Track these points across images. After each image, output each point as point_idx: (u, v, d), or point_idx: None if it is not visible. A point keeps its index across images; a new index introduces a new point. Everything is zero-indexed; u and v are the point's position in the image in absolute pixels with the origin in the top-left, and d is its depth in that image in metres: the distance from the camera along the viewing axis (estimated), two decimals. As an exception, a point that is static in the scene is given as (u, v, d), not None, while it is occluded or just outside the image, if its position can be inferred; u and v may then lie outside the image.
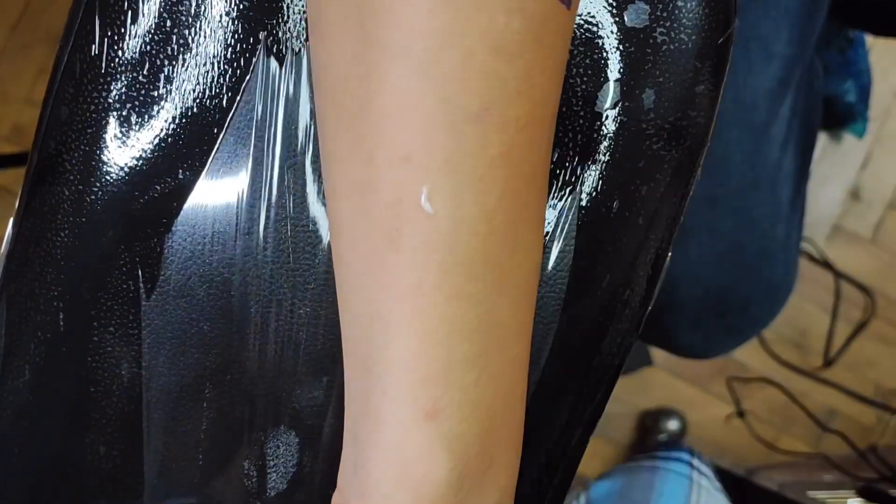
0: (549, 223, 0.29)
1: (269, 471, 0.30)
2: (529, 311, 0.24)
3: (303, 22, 0.27)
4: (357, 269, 0.24)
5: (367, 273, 0.23)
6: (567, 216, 0.29)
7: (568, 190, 0.29)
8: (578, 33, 0.28)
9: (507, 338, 0.24)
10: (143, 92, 0.27)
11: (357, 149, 0.22)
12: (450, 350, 0.23)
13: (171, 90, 0.27)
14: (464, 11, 0.20)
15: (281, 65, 0.28)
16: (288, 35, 0.27)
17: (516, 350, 0.24)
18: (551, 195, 0.29)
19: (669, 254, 0.31)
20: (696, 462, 0.81)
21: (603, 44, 0.28)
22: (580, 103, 0.28)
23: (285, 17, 0.27)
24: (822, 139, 1.24)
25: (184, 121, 0.27)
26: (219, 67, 0.27)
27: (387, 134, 0.21)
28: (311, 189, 0.28)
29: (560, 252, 0.29)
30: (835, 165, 1.25)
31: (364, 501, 0.24)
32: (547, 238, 0.29)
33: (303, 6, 0.27)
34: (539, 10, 0.21)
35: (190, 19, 0.27)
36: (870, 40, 1.13)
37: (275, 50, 0.27)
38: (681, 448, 0.86)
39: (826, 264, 1.23)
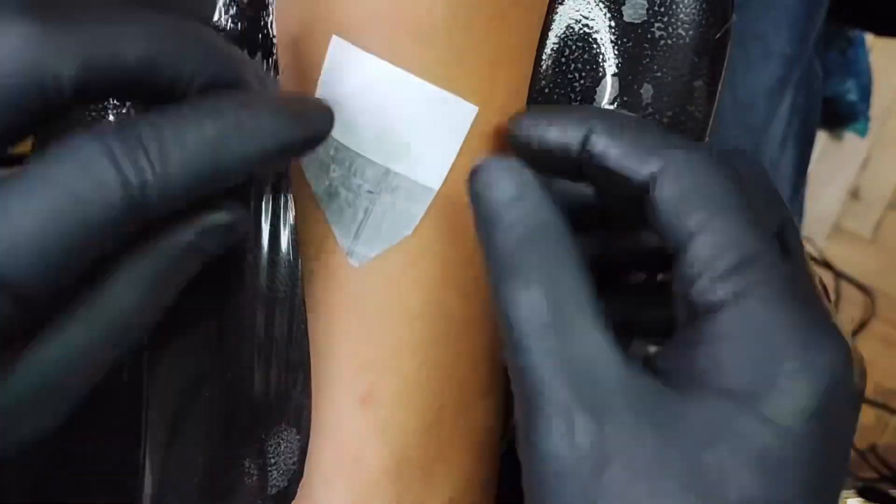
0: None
1: (269, 469, 0.30)
2: (486, 306, 0.24)
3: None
4: (308, 255, 0.25)
5: (316, 257, 0.24)
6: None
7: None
8: (576, 28, 0.28)
9: (454, 329, 0.24)
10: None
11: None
12: (387, 336, 0.23)
13: (170, 88, 0.27)
14: (389, 0, 0.21)
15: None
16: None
17: (467, 343, 0.24)
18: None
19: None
20: None
21: (600, 39, 0.28)
22: (578, 99, 0.28)
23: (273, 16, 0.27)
24: (823, 139, 1.24)
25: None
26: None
27: None
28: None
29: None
30: (835, 165, 1.25)
31: (308, 481, 0.24)
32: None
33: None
34: None
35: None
36: (870, 40, 1.13)
37: (272, 46, 0.27)
38: None
39: (826, 264, 1.23)
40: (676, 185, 0.20)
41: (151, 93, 0.18)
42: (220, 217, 0.20)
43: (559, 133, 0.21)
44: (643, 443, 0.18)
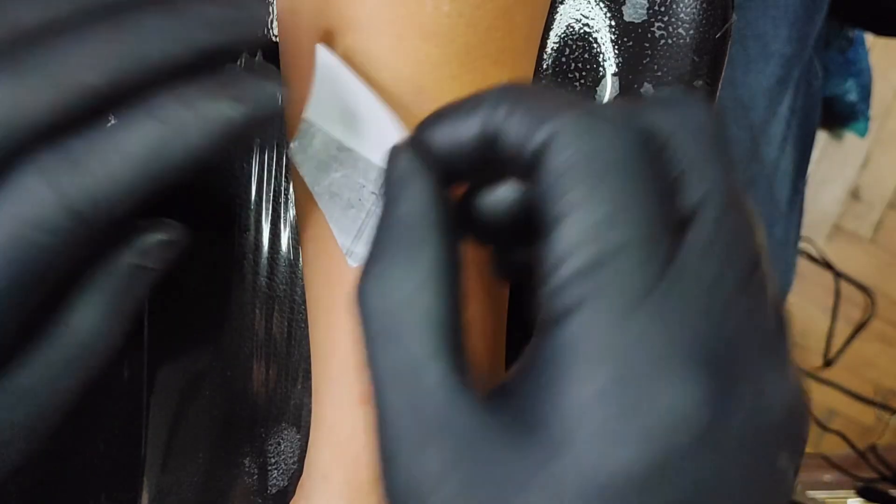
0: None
1: (270, 468, 0.30)
2: (486, 304, 0.24)
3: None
4: (308, 253, 0.25)
5: (315, 257, 0.24)
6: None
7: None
8: (576, 28, 0.28)
9: None
10: (143, 89, 0.27)
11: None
12: None
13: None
14: None
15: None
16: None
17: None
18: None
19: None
20: None
21: (600, 38, 0.28)
22: (579, 99, 0.28)
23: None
24: (823, 139, 1.24)
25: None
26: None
27: None
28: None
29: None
30: (835, 165, 1.25)
31: (308, 477, 0.24)
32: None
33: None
34: None
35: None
36: (870, 40, 1.13)
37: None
38: None
39: (826, 264, 1.23)
40: (562, 155, 0.16)
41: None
42: (157, 237, 0.20)
43: (451, 128, 0.18)
44: (468, 487, 0.16)
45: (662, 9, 0.27)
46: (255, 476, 0.30)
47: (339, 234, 0.23)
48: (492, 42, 0.22)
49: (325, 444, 0.24)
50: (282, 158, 0.28)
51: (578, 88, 0.28)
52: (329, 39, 0.22)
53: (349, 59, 0.21)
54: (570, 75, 0.28)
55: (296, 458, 0.30)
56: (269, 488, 0.30)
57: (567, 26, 0.28)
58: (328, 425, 0.24)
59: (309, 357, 0.29)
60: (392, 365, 0.17)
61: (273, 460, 0.30)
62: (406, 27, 0.21)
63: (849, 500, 1.05)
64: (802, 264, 1.23)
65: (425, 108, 0.21)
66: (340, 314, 0.23)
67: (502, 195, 0.19)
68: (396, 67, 0.21)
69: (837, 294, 1.24)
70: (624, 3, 0.28)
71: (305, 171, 0.23)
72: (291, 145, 0.23)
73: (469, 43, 0.22)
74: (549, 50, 0.28)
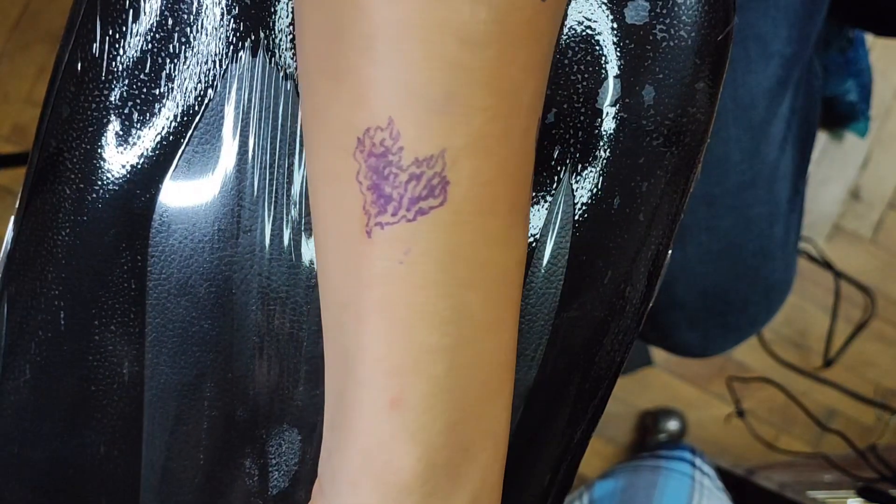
0: (544, 220, 0.29)
1: (270, 469, 0.30)
2: (507, 306, 0.24)
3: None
4: (331, 257, 0.24)
5: (341, 261, 0.24)
6: (565, 213, 0.29)
7: (565, 187, 0.29)
8: (578, 30, 0.28)
9: (478, 331, 0.24)
10: (144, 90, 0.27)
11: (332, 139, 0.23)
12: (417, 340, 0.23)
13: (172, 88, 0.27)
14: (429, 2, 0.21)
15: (282, 61, 0.28)
16: (284, 31, 0.27)
17: (489, 345, 0.24)
18: (549, 192, 0.29)
19: (670, 251, 0.31)
20: (698, 462, 0.81)
21: (602, 40, 0.28)
22: (580, 100, 0.28)
23: (280, 15, 0.27)
24: (823, 139, 1.24)
25: (185, 119, 0.28)
26: (221, 65, 0.27)
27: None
28: (311, 187, 0.28)
29: (557, 248, 0.29)
30: (835, 165, 1.25)
31: (333, 487, 0.24)
32: (542, 235, 0.29)
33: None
34: (507, 1, 0.21)
35: (191, 17, 0.27)
36: (870, 40, 1.13)
37: (273, 46, 0.27)
38: (683, 447, 0.86)
39: (826, 264, 1.23)
40: None
41: None
42: None
43: None
44: None
45: (664, 11, 0.27)
46: (256, 477, 0.30)
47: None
48: (522, 49, 0.22)
49: (353, 451, 0.23)
50: (282, 158, 0.28)
51: (580, 90, 0.28)
52: (360, 42, 0.22)
53: (383, 63, 0.21)
54: (571, 77, 0.28)
55: (297, 460, 0.30)
56: (270, 490, 0.30)
57: (569, 28, 0.28)
58: (356, 432, 0.23)
59: (311, 358, 0.29)
60: None
61: (274, 461, 0.30)
62: (441, 32, 0.21)
63: (849, 500, 1.05)
64: (802, 264, 1.23)
65: (457, 112, 0.21)
66: (368, 319, 0.23)
67: None
68: (430, 72, 0.21)
69: (837, 294, 1.24)
70: (626, 5, 0.28)
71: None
72: None
73: (501, 50, 0.22)
74: (550, 51, 0.28)
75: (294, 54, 0.28)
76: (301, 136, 0.28)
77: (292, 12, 0.27)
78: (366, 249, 0.23)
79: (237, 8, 0.27)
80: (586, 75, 0.28)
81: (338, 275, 0.24)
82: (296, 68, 0.28)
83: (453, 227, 0.23)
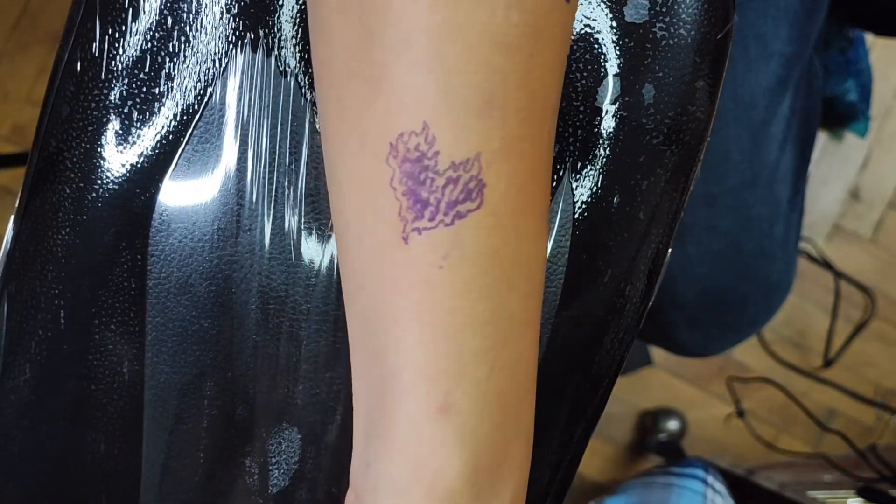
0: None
1: (270, 468, 0.30)
2: (538, 304, 0.24)
3: (299, 17, 0.27)
4: (364, 264, 0.24)
5: (375, 268, 0.23)
6: (565, 211, 0.29)
7: (565, 185, 0.29)
8: (578, 28, 0.28)
9: (516, 331, 0.24)
10: (143, 89, 0.27)
11: (363, 145, 0.22)
12: (460, 344, 0.23)
13: (171, 87, 0.27)
14: (464, 6, 0.21)
15: (281, 60, 0.28)
16: (284, 30, 0.27)
17: (525, 343, 0.24)
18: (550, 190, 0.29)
19: (669, 249, 0.31)
20: (710, 479, 0.81)
21: (602, 39, 0.28)
22: (580, 98, 0.28)
23: (280, 13, 0.27)
24: (823, 139, 1.24)
25: (185, 118, 0.28)
26: (220, 64, 0.27)
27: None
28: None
29: (557, 247, 0.29)
30: (835, 165, 1.25)
31: (378, 498, 0.24)
32: (547, 234, 0.29)
33: (301, 1, 0.27)
34: (538, 4, 0.21)
35: (191, 16, 0.27)
36: (870, 40, 1.13)
37: (273, 45, 0.27)
38: (695, 464, 0.86)
39: (826, 264, 1.23)
40: None
41: None
42: None
43: None
44: None
45: (664, 9, 0.27)
46: (256, 476, 0.30)
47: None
48: (549, 50, 0.22)
49: (401, 460, 0.23)
50: (282, 157, 0.28)
51: (580, 88, 0.28)
52: (392, 47, 0.22)
53: (420, 67, 0.21)
54: (571, 76, 0.28)
55: (297, 459, 0.30)
56: (270, 488, 0.30)
57: (568, 26, 0.28)
58: (402, 440, 0.23)
59: (311, 357, 0.29)
60: None
61: (274, 460, 0.30)
62: (477, 36, 0.21)
63: (849, 500, 1.05)
64: (802, 264, 1.23)
65: (494, 115, 0.21)
66: (410, 325, 0.23)
67: None
68: (468, 76, 0.21)
69: (837, 294, 1.24)
70: (625, 3, 0.28)
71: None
72: None
73: (531, 52, 0.22)
74: (549, 50, 0.28)
75: (295, 54, 0.28)
76: (301, 136, 0.28)
77: (293, 11, 0.27)
78: (402, 255, 0.22)
79: (237, 7, 0.27)
80: (586, 74, 0.28)
81: (371, 282, 0.24)
82: (296, 67, 0.28)
83: (491, 229, 0.23)
